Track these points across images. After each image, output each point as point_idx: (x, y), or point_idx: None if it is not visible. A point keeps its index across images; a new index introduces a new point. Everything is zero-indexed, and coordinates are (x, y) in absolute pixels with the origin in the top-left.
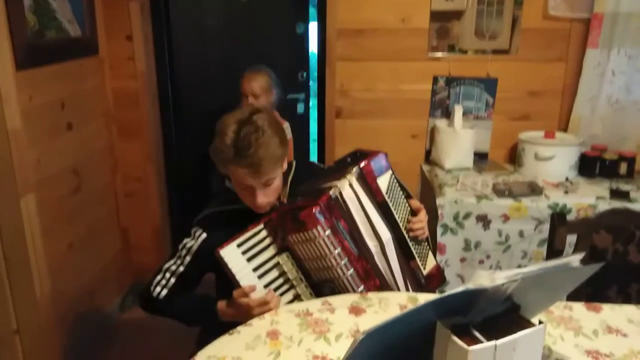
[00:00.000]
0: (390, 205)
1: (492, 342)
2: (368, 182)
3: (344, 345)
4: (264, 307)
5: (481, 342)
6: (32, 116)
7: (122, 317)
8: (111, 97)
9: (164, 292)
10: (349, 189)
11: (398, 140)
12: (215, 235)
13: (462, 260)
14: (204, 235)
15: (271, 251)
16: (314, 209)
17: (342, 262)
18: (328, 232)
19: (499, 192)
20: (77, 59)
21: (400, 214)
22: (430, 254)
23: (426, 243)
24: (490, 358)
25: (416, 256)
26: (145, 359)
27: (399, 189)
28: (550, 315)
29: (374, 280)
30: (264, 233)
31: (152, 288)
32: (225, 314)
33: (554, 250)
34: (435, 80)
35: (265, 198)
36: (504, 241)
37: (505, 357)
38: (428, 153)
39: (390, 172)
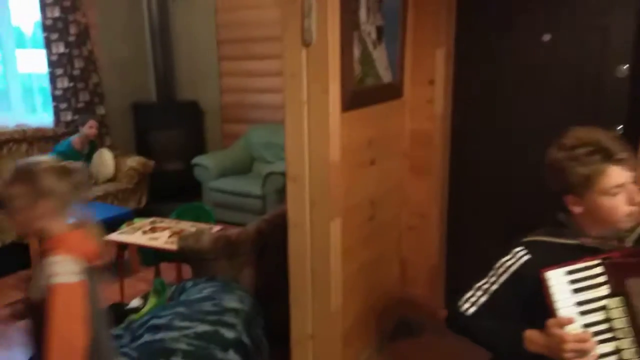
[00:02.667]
0: None
1: None
2: None
3: None
4: (578, 346)
5: None
6: (347, 151)
7: (389, 346)
8: (408, 137)
9: (473, 309)
10: None
11: None
12: (539, 260)
13: None
14: (528, 256)
15: (602, 291)
16: None
17: None
18: None
19: None
20: (386, 102)
21: None
22: None
23: None
24: None
25: None
26: None
27: None
28: None
29: None
30: (599, 269)
31: (460, 304)
32: (533, 341)
33: None
34: None
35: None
36: None
37: None
38: None
39: None
